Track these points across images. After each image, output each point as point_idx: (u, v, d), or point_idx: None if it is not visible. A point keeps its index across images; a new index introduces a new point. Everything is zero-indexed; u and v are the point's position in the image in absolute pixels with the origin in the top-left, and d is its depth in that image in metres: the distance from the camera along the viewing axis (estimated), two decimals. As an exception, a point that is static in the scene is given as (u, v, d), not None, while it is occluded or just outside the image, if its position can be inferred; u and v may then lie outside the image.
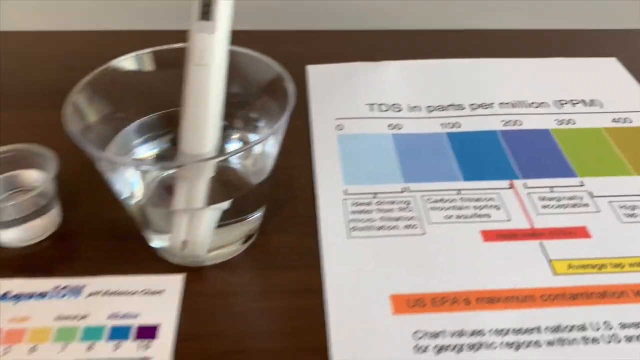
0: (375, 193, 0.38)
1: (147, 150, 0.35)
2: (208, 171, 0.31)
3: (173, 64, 0.32)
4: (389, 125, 0.44)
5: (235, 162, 0.35)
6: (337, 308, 0.31)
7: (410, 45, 0.54)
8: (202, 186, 0.31)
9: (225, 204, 0.32)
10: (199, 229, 0.31)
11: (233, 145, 0.35)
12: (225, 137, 0.36)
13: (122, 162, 0.33)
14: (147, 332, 0.29)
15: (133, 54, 0.34)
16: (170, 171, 0.34)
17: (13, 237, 0.34)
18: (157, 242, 0.33)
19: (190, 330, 0.30)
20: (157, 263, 0.33)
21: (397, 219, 0.36)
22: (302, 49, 0.53)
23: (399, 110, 0.45)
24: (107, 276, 0.32)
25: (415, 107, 0.46)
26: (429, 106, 0.46)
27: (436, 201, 0.37)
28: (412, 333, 0.30)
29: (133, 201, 0.32)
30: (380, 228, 0.35)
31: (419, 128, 0.43)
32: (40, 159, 0.35)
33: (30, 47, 0.54)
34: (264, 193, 0.34)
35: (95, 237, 0.35)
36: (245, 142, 0.35)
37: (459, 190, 0.38)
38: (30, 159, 0.35)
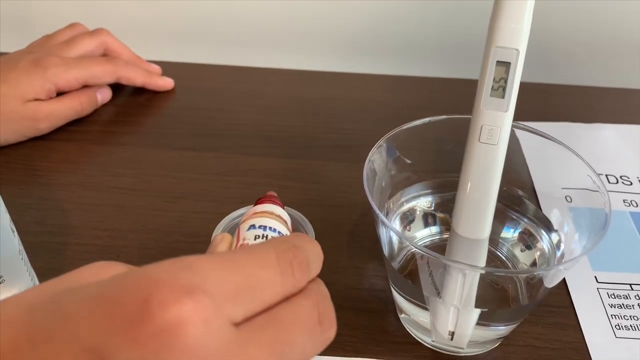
0: (631, 284, 0.34)
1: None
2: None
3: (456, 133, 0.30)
4: (624, 201, 0.40)
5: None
6: None
7: (624, 106, 0.50)
8: (476, 285, 0.28)
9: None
10: (469, 324, 0.29)
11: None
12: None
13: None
14: None
15: (426, 119, 0.33)
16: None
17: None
18: (416, 328, 0.31)
19: None
20: (407, 346, 0.31)
21: (665, 319, 0.32)
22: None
23: (630, 184, 0.41)
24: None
25: (646, 180, 0.42)
26: (662, 181, 0.42)
27: None
28: None
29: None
30: (648, 329, 0.32)
31: (657, 206, 0.40)
32: (298, 225, 0.33)
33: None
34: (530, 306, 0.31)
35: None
36: (529, 234, 0.34)
37: None
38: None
